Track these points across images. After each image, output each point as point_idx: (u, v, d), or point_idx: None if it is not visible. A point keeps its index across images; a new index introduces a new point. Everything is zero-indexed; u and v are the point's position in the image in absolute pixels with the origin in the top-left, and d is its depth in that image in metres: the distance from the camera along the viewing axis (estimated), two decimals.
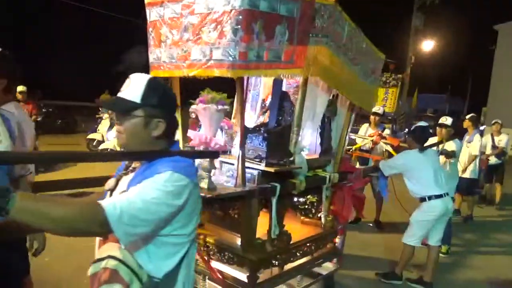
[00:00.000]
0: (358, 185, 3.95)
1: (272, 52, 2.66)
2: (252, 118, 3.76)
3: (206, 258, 3.04)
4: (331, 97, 3.63)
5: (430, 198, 4.16)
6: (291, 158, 3.19)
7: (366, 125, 6.46)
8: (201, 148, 2.37)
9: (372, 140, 5.69)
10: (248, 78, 3.77)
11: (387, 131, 6.09)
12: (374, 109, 6.20)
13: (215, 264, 3.06)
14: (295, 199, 3.41)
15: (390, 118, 10.02)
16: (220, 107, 2.35)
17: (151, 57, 2.98)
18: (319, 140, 3.62)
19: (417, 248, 4.40)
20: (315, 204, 3.59)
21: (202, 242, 3.15)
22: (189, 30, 2.67)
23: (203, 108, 2.36)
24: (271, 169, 2.84)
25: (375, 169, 4.56)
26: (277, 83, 3.03)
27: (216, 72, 2.51)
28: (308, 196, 3.51)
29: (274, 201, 2.96)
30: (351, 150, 5.57)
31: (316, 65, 2.96)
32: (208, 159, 2.41)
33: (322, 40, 2.96)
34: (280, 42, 2.68)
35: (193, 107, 2.45)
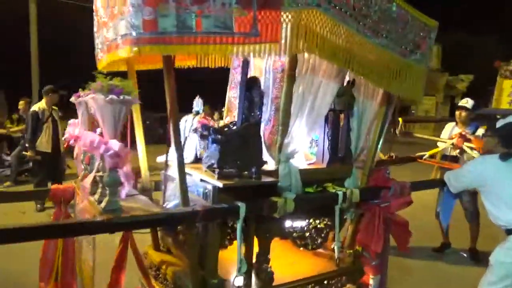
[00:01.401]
0: (398, 206, 2.82)
1: (210, 20, 1.89)
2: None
3: None
4: (344, 84, 2.64)
5: None
6: (274, 168, 2.34)
7: (451, 124, 4.99)
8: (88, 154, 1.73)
9: (452, 144, 4.30)
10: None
11: (480, 131, 4.56)
12: (461, 102, 4.74)
13: None
14: (289, 223, 2.51)
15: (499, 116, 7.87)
16: (113, 97, 1.68)
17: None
18: (327, 144, 2.65)
19: None
20: (324, 231, 2.63)
21: (162, 274, 2.50)
22: (110, 3, 2.07)
23: (91, 98, 1.72)
24: (222, 183, 2.05)
25: (439, 183, 3.31)
26: (243, 66, 2.23)
27: (120, 53, 1.86)
28: (310, 221, 2.57)
29: (238, 226, 2.15)
30: (423, 157, 4.28)
31: (308, 38, 2.10)
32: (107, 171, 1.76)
33: (311, 1, 2.08)
34: (224, 5, 1.90)
35: (73, 98, 1.82)
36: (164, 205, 2.36)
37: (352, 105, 2.65)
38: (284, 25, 2.13)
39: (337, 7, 2.23)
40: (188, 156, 2.46)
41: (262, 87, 2.42)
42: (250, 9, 2.00)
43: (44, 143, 6.06)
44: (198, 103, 2.74)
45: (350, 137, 2.69)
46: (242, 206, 2.11)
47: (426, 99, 23.74)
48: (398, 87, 2.65)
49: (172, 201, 2.33)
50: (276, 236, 2.43)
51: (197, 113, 2.71)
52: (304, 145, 2.50)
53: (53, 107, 6.20)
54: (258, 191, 2.23)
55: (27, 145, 6.31)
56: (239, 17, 1.97)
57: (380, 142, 2.83)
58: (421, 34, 2.75)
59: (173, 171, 2.50)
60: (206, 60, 3.00)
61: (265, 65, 2.61)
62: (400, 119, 5.01)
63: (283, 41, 2.13)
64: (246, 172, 2.15)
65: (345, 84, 2.66)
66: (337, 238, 2.58)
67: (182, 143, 2.47)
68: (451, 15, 26.18)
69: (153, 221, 1.85)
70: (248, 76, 2.36)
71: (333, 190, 2.56)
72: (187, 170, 2.31)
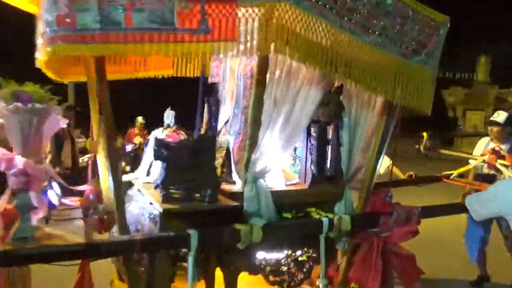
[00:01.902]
0: (402, 236, 2.33)
1: (144, 14, 1.60)
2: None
3: None
4: (331, 90, 2.24)
5: None
6: (236, 189, 1.99)
7: (486, 139, 4.36)
8: None
9: (484, 161, 3.70)
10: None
11: None
12: (493, 116, 4.13)
13: None
14: (262, 255, 2.11)
15: None
16: (18, 105, 1.42)
17: None
18: (309, 161, 2.25)
19: None
20: (307, 264, 2.20)
21: None
22: None
23: None
24: (163, 207, 1.72)
25: (461, 209, 2.77)
26: (201, 71, 1.91)
27: (38, 56, 1.61)
28: (289, 252, 2.16)
29: (190, 260, 1.80)
30: (450, 176, 3.71)
31: (278, 36, 1.79)
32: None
33: None
34: None
35: None
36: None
37: (340, 115, 2.24)
38: (249, 21, 1.82)
39: (312, 0, 1.89)
40: (141, 173, 2.16)
41: (232, 95, 2.10)
42: (197, 1, 1.69)
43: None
44: (169, 116, 2.45)
45: (340, 153, 2.28)
46: (193, 234, 1.77)
47: (475, 113, 22.29)
48: (398, 94, 2.22)
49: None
50: (243, 270, 2.04)
51: (168, 126, 2.43)
52: (277, 163, 2.11)
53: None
54: (219, 217, 1.88)
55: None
56: (182, 10, 1.67)
57: (381, 157, 2.39)
58: (427, 30, 2.31)
59: (135, 190, 2.22)
60: (183, 68, 2.73)
61: (237, 70, 2.28)
62: (424, 133, 4.46)
63: (248, 40, 1.83)
64: (198, 195, 1.80)
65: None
66: (323, 273, 2.15)
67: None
68: (502, 26, 24.76)
69: (67, 252, 1.54)
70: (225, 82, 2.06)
71: (317, 216, 2.15)
72: (141, 189, 2.01)
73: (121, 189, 1.73)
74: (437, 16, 2.34)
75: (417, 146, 4.41)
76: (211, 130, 1.87)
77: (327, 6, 1.95)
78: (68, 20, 1.48)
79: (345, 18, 2.01)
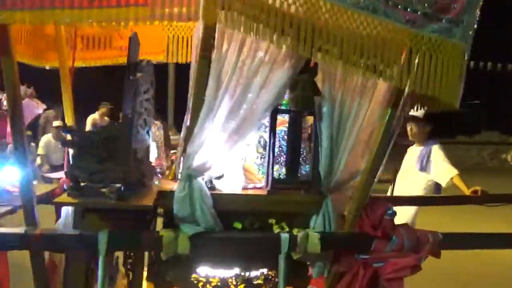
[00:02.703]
0: (398, 269, 1.69)
1: None
2: None
3: None
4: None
5: None
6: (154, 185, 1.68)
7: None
8: None
9: None
10: None
11: None
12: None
13: None
14: (206, 271, 1.73)
15: None
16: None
17: None
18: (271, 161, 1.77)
19: None
20: None
21: None
22: None
23: None
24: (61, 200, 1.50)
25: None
26: (130, 48, 1.61)
27: None
28: (239, 272, 1.73)
29: (100, 262, 1.55)
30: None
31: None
32: None
33: None
34: None
35: None
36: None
37: (313, 104, 1.72)
38: None
39: None
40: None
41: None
42: None
43: None
44: None
45: (317, 152, 1.76)
46: (102, 236, 1.51)
47: None
48: (406, 78, 1.63)
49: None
50: (175, 284, 1.70)
51: None
52: (223, 159, 1.70)
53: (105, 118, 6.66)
54: (133, 218, 1.59)
55: None
56: None
57: (383, 161, 1.79)
58: None
59: None
60: (176, 54, 2.49)
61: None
62: None
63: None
64: (106, 190, 1.53)
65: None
66: None
67: None
68: None
69: None
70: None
71: (277, 230, 1.69)
72: None
73: (28, 178, 1.56)
74: None
75: (504, 156, 3.42)
76: (133, 114, 1.57)
77: None
78: None
79: None
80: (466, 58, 1.74)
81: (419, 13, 1.63)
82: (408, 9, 1.63)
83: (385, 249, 1.73)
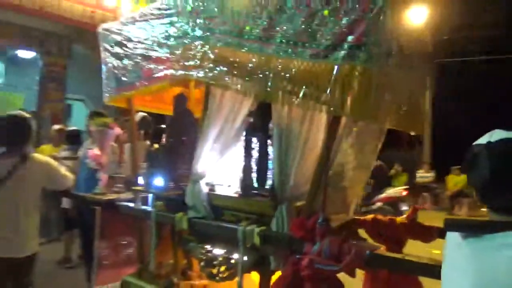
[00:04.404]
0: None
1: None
2: None
3: None
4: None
5: None
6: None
7: None
8: None
9: None
10: None
11: None
12: None
13: None
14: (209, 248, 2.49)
15: None
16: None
17: None
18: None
19: None
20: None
21: None
22: None
23: None
24: None
25: None
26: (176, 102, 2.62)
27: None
28: (224, 252, 2.38)
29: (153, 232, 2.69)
30: None
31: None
32: None
33: None
34: None
35: None
36: None
37: (264, 128, 2.22)
38: None
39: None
40: None
41: None
42: None
43: None
44: None
45: (265, 165, 2.24)
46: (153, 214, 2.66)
47: None
48: (329, 102, 1.89)
49: None
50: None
51: None
52: (212, 170, 2.44)
53: None
54: None
55: None
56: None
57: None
58: (348, 17, 1.80)
59: None
60: None
61: None
62: None
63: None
64: None
65: None
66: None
67: None
68: None
69: None
70: None
71: (242, 225, 2.28)
72: None
73: None
74: None
75: None
76: None
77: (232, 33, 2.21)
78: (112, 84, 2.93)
79: (245, 37, 2.15)
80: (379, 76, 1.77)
81: (321, 47, 1.89)
82: (313, 45, 1.92)
83: (310, 252, 1.97)
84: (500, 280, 1.08)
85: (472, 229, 1.21)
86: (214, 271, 2.43)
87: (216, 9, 2.27)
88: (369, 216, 2.53)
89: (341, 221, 2.37)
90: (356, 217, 2.57)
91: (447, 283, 1.24)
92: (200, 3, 2.35)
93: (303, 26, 1.93)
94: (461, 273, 1.17)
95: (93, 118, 3.46)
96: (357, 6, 1.79)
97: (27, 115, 2.74)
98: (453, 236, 1.26)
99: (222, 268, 2.39)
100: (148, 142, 4.02)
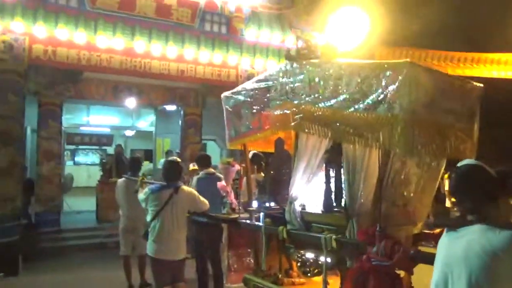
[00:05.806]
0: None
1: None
2: None
3: None
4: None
5: None
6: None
7: None
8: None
9: None
10: None
11: None
12: None
13: None
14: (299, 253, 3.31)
15: None
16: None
17: None
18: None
19: None
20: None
21: None
22: None
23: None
24: None
25: None
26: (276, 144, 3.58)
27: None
28: (313, 255, 3.18)
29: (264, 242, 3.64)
30: None
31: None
32: None
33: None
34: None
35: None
36: None
37: (336, 161, 3.00)
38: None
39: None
40: None
41: None
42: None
43: None
44: None
45: (339, 189, 3.00)
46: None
47: None
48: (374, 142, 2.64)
49: None
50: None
51: None
52: (303, 194, 3.28)
53: None
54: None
55: None
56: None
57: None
58: (372, 81, 2.56)
59: None
60: None
61: None
62: None
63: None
64: None
65: None
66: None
67: None
68: None
69: None
70: None
71: (324, 235, 3.05)
72: None
73: None
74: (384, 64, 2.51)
75: None
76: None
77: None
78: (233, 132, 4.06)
79: (320, 97, 3.03)
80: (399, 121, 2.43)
81: (370, 102, 2.64)
82: (365, 102, 2.68)
83: (371, 252, 2.64)
84: (458, 254, 1.71)
85: (449, 225, 1.84)
86: (307, 269, 3.25)
87: (298, 79, 3.21)
88: (437, 230, 3.06)
89: (407, 231, 2.96)
90: (425, 231, 3.12)
91: (435, 264, 1.87)
92: (289, 77, 3.32)
93: (357, 88, 2.71)
94: (439, 254, 1.81)
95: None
96: (390, 73, 2.52)
97: (179, 160, 4.03)
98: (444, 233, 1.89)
99: (313, 267, 3.20)
100: (262, 174, 5.05)
